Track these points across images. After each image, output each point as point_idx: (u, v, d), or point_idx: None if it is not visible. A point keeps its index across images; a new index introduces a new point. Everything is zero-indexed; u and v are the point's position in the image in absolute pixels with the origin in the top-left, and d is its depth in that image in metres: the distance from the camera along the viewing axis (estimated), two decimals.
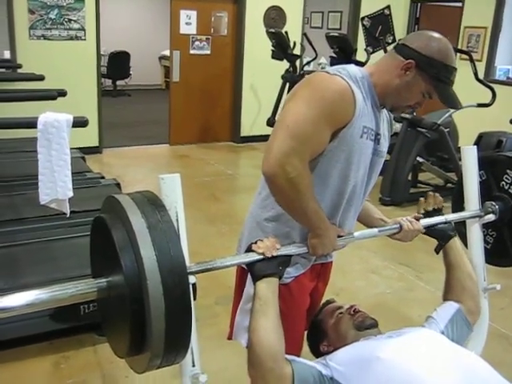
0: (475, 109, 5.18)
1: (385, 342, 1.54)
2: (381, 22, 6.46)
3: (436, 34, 1.61)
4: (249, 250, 1.48)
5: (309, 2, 7.59)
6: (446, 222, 1.87)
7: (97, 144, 6.49)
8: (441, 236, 1.87)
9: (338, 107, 1.51)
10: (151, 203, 1.26)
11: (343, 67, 1.61)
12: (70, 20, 5.92)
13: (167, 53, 11.42)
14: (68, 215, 2.61)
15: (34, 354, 2.72)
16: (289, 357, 1.46)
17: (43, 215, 3.29)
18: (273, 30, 6.65)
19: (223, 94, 7.42)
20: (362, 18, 6.55)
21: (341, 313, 1.75)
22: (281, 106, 5.33)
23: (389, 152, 6.27)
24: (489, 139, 5.20)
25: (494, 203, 2.01)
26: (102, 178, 4.60)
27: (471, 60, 5.23)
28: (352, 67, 1.62)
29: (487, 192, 2.04)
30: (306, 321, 1.84)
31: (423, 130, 5.32)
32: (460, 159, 5.58)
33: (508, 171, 2.01)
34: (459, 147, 5.52)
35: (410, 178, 5.67)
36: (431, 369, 1.38)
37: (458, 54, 6.92)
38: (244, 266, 1.62)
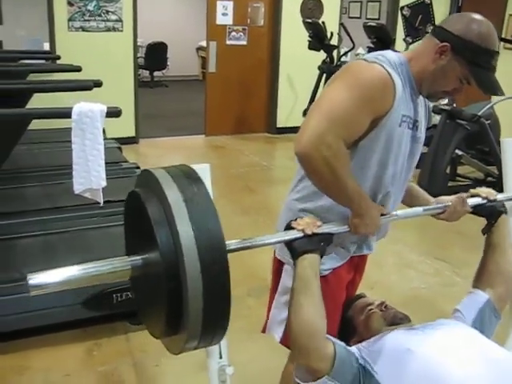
0: None
1: (416, 335, 1.50)
2: (421, 12, 6.32)
3: (478, 16, 1.53)
4: (288, 227, 1.45)
5: None
6: (493, 200, 1.79)
7: (133, 134, 6.56)
8: (490, 213, 1.79)
9: (377, 95, 1.48)
10: (187, 176, 1.20)
11: (382, 53, 1.57)
12: (107, 11, 5.99)
13: (204, 44, 11.50)
14: (101, 204, 2.63)
15: (68, 340, 2.77)
16: (331, 337, 1.44)
17: (78, 204, 3.34)
18: (309, 20, 6.57)
19: (259, 85, 7.39)
20: (402, 8, 6.41)
21: (371, 309, 1.71)
22: (317, 97, 5.27)
23: (427, 144, 6.14)
24: None
25: None
26: (138, 168, 4.64)
27: None
28: (390, 53, 1.58)
29: None
30: (340, 314, 1.82)
31: (463, 121, 5.18)
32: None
33: None
34: (500, 141, 5.38)
35: (448, 171, 5.55)
36: (460, 363, 1.35)
37: (502, 43, 6.73)
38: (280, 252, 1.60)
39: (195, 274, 1.09)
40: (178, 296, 1.13)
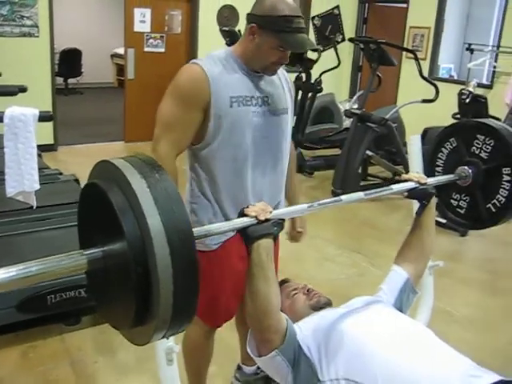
0: (420, 105, 5.45)
1: (342, 316, 1.63)
2: (331, 22, 6.66)
3: None
4: (241, 214, 1.47)
5: None
6: (424, 184, 1.86)
7: (52, 142, 6.46)
8: (422, 195, 1.87)
9: (190, 90, 1.75)
10: (148, 164, 1.20)
11: (209, 54, 1.85)
12: (22, 16, 5.88)
13: (119, 50, 11.39)
14: (35, 207, 2.67)
15: (0, 345, 2.75)
16: (283, 314, 1.55)
17: (5, 210, 3.33)
18: (226, 29, 6.76)
19: None
20: (313, 18, 6.75)
21: (296, 293, 1.84)
22: None
23: (339, 146, 6.50)
24: (433, 134, 5.43)
25: (466, 168, 2.04)
26: (60, 174, 4.63)
27: (416, 58, 5.50)
28: (217, 51, 1.86)
29: (459, 158, 2.09)
30: (240, 283, 1.95)
31: (372, 125, 5.56)
32: (407, 153, 5.82)
33: (478, 136, 2.04)
34: (405, 142, 5.81)
35: (360, 171, 5.92)
36: (382, 341, 1.50)
37: (404, 53, 7.26)
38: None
39: (165, 256, 1.08)
40: (148, 282, 1.11)
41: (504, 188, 1.98)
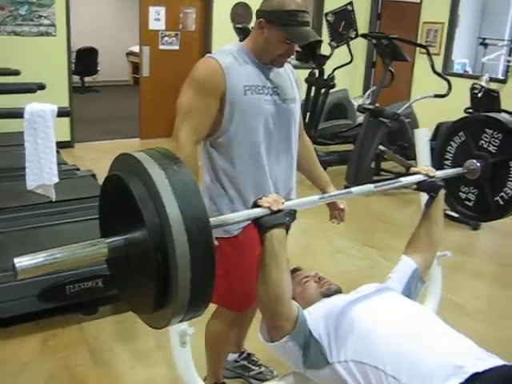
0: (434, 100, 5.47)
1: (352, 300, 1.70)
2: (344, 18, 6.67)
3: None
4: (254, 205, 1.53)
5: None
6: (432, 177, 1.91)
7: (69, 139, 6.59)
8: (431, 188, 1.92)
9: (207, 80, 1.88)
10: (166, 156, 1.26)
11: (220, 48, 1.98)
12: (40, 16, 6.01)
13: (135, 49, 11.51)
14: (53, 200, 2.76)
15: (22, 333, 2.86)
16: (294, 302, 1.62)
17: (26, 204, 3.44)
18: (240, 26, 6.82)
19: None
20: (326, 14, 6.78)
21: (307, 281, 1.89)
22: None
23: (353, 142, 6.51)
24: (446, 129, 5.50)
25: (474, 161, 2.09)
26: (78, 169, 4.74)
27: (428, 53, 5.52)
28: (228, 45, 2.00)
29: (468, 151, 2.13)
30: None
31: (385, 120, 5.59)
32: None
33: (487, 130, 2.08)
34: None
35: (373, 166, 5.95)
36: (391, 326, 1.56)
37: (418, 48, 7.26)
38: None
39: (183, 243, 1.14)
40: (167, 268, 1.17)
41: None
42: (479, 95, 4.72)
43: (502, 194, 2.07)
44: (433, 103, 5.70)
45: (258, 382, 2.49)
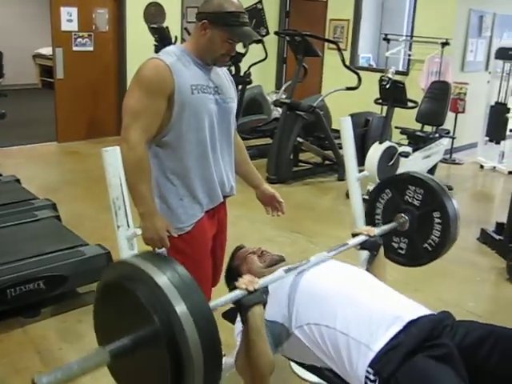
0: (344, 92, 5.81)
1: (297, 277, 1.85)
2: (254, 16, 6.88)
3: None
4: (233, 288, 1.65)
5: None
6: (373, 236, 2.12)
7: None
8: (373, 246, 2.12)
9: (155, 80, 1.95)
10: (161, 259, 1.39)
11: (163, 50, 2.06)
12: None
13: (42, 51, 11.18)
14: None
15: None
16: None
17: None
18: (155, 26, 6.87)
19: (108, 89, 7.53)
20: None
21: (251, 257, 2.06)
22: None
23: (270, 136, 6.77)
24: (358, 119, 5.84)
25: (403, 215, 2.31)
26: (0, 175, 4.65)
27: (338, 49, 5.85)
28: (170, 47, 2.10)
29: (396, 206, 2.35)
30: (211, 260, 2.22)
31: (301, 112, 5.87)
32: (334, 138, 6.21)
33: (409, 186, 2.30)
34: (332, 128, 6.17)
35: (291, 157, 6.23)
36: (337, 286, 1.77)
37: (326, 44, 7.63)
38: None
39: (196, 345, 1.24)
40: (180, 368, 1.26)
41: (436, 229, 2.26)
42: (387, 86, 5.09)
43: (430, 241, 2.29)
44: (342, 96, 6.05)
45: None
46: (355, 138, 2.53)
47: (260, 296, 1.63)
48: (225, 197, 2.23)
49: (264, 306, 1.65)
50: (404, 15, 9.14)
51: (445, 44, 6.83)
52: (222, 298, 1.62)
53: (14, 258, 3.06)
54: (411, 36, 7.45)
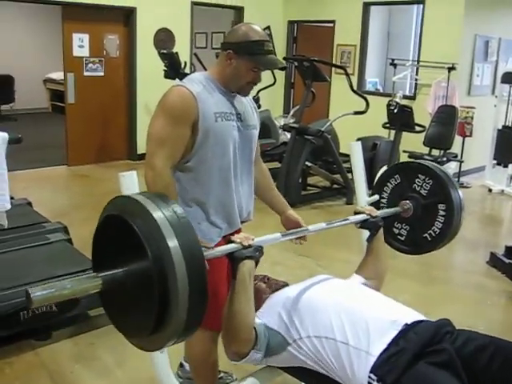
0: (352, 116, 5.86)
1: (302, 286, 1.95)
2: None
3: (241, 25, 2.09)
4: (228, 242, 1.73)
5: (193, 24, 8.04)
6: (375, 217, 2.19)
7: None
8: (373, 227, 2.20)
9: (180, 108, 1.97)
10: (161, 199, 1.44)
11: (188, 77, 2.10)
12: None
13: (53, 75, 11.37)
14: (5, 226, 2.80)
15: None
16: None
17: None
18: (165, 51, 6.99)
19: (118, 114, 7.64)
20: None
21: (257, 283, 2.09)
22: None
23: (278, 160, 6.81)
24: (366, 143, 5.89)
25: (408, 202, 2.35)
26: (12, 198, 4.69)
27: (346, 74, 5.92)
28: (195, 74, 2.13)
29: (402, 192, 2.38)
30: (226, 285, 2.17)
31: (310, 137, 5.92)
32: (342, 162, 6.23)
33: (419, 175, 2.33)
34: (340, 152, 6.21)
35: (300, 181, 6.26)
36: (335, 298, 1.84)
37: (334, 69, 7.72)
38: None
39: (184, 279, 1.32)
40: (167, 299, 1.33)
41: (439, 221, 2.30)
42: (395, 111, 5.14)
43: (430, 231, 2.33)
44: (350, 120, 6.10)
45: None
46: (364, 161, 2.57)
47: (253, 251, 1.71)
48: (242, 222, 2.25)
49: (256, 263, 1.74)
50: (410, 40, 9.26)
51: (451, 68, 6.89)
52: (217, 248, 1.71)
53: (27, 281, 3.07)
54: (418, 61, 7.53)
